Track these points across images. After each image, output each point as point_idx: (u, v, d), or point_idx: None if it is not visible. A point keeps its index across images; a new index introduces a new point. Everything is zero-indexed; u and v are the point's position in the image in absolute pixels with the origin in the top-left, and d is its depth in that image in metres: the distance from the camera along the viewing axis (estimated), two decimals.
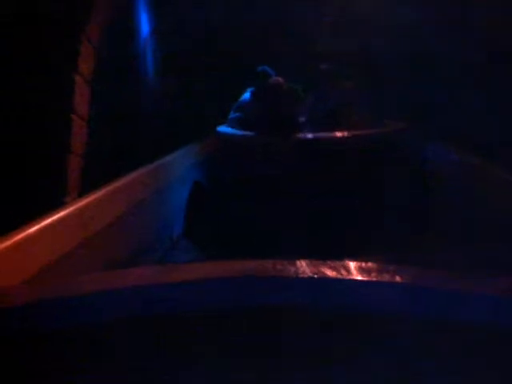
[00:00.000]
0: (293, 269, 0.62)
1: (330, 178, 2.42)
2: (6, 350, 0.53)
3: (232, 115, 3.12)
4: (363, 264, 0.64)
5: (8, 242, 1.25)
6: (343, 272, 0.62)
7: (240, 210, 2.40)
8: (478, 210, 1.79)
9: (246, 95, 3.12)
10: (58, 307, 0.57)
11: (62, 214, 1.67)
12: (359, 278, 0.62)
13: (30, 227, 1.40)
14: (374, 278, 0.62)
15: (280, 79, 3.02)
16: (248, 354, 0.59)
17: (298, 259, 0.63)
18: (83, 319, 0.55)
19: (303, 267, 0.62)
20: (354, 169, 2.47)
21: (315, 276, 0.60)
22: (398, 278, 0.62)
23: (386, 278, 0.62)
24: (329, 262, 0.64)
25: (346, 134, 2.72)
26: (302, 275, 0.61)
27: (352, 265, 0.64)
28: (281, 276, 0.61)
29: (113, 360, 0.54)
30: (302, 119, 3.01)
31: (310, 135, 2.87)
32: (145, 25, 3.01)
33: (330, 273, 0.61)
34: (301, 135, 2.88)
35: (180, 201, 2.60)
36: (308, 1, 3.66)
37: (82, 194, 1.97)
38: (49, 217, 1.56)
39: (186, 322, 0.58)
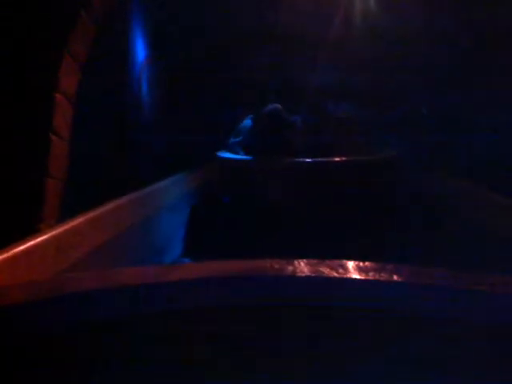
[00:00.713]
0: (290, 268, 0.69)
1: (327, 203, 2.61)
2: (5, 350, 0.59)
3: (232, 140, 3.35)
4: (361, 263, 0.71)
5: None
6: (341, 271, 0.69)
7: (240, 233, 2.51)
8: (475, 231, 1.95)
9: (247, 121, 3.40)
10: (56, 305, 0.63)
11: (36, 241, 1.71)
12: (357, 276, 0.69)
13: None
14: (371, 276, 0.69)
15: (278, 106, 3.29)
16: (246, 352, 0.65)
17: (296, 259, 0.70)
18: (81, 317, 0.61)
19: (301, 266, 0.69)
20: (350, 193, 2.68)
21: (312, 275, 0.68)
22: (395, 277, 0.70)
23: (383, 276, 0.69)
24: (326, 262, 0.71)
25: (342, 159, 2.99)
26: (299, 274, 0.68)
27: (349, 264, 0.71)
28: (278, 275, 0.68)
29: (112, 358, 0.60)
30: (298, 146, 3.26)
31: (308, 160, 3.09)
32: (141, 49, 3.20)
33: (327, 272, 0.69)
34: (299, 160, 3.10)
35: (171, 228, 2.67)
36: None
37: (60, 221, 2.02)
38: (21, 245, 1.60)
39: (183, 321, 0.64)
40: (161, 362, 0.63)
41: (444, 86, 3.14)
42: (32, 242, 1.67)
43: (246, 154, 3.18)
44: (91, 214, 2.12)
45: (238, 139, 3.35)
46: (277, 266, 0.69)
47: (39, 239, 1.72)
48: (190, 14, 3.55)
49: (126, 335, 0.63)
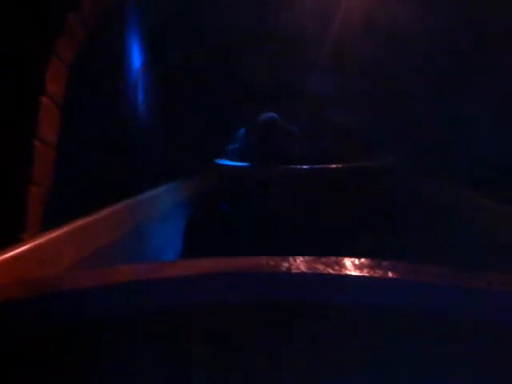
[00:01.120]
0: (286, 265, 0.73)
1: (324, 209, 2.75)
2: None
3: (231, 147, 3.55)
4: (356, 260, 0.76)
5: None
6: (336, 268, 0.74)
7: (238, 240, 2.58)
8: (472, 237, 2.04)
9: (243, 130, 3.63)
10: (54, 303, 0.66)
11: (17, 251, 1.71)
12: (352, 273, 0.74)
13: None
14: (366, 273, 0.74)
15: (273, 115, 3.48)
16: (240, 349, 0.69)
17: (292, 256, 0.75)
18: (78, 315, 0.65)
19: (296, 263, 0.74)
20: (348, 200, 2.82)
21: (308, 271, 0.72)
22: (390, 274, 0.74)
23: (378, 273, 0.74)
24: (322, 259, 0.76)
25: (339, 166, 3.17)
26: (294, 271, 0.72)
27: (345, 261, 0.76)
28: (274, 272, 0.72)
29: (110, 356, 0.64)
30: (295, 155, 3.47)
31: (304, 167, 3.27)
32: (138, 51, 3.29)
33: (322, 269, 0.73)
34: (296, 167, 3.28)
35: (165, 238, 2.71)
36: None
37: (45, 230, 2.04)
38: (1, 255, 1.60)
39: (178, 318, 0.68)
40: (158, 360, 0.67)
41: (444, 87, 3.24)
42: (12, 253, 1.69)
43: (243, 161, 3.36)
44: (78, 223, 2.14)
45: (234, 146, 3.53)
46: (272, 263, 0.74)
47: (20, 249, 1.74)
48: (190, 15, 3.65)
49: (122, 332, 0.67)
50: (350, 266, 0.76)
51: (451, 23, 3.10)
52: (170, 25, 3.56)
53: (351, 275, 0.74)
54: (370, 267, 0.75)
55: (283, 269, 0.73)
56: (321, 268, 0.74)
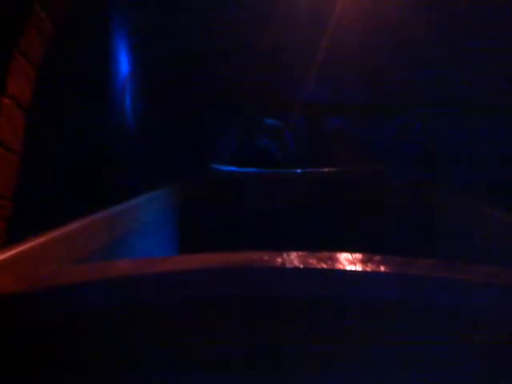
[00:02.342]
0: (279, 260, 0.85)
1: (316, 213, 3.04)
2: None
3: (225, 152, 3.98)
4: (349, 255, 0.89)
5: None
6: (329, 263, 0.86)
7: (234, 243, 2.82)
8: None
9: (240, 136, 4.09)
10: (49, 298, 0.77)
11: None
12: (345, 268, 0.86)
13: None
14: (359, 267, 0.86)
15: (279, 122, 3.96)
16: (235, 345, 0.81)
17: (286, 251, 0.87)
18: (77, 307, 0.76)
19: (290, 258, 0.86)
20: (338, 203, 3.31)
21: (301, 266, 0.84)
22: (383, 268, 0.87)
23: (371, 267, 0.87)
24: (315, 254, 0.88)
25: (331, 171, 3.53)
26: (288, 266, 0.84)
27: (338, 256, 0.89)
28: (268, 267, 0.84)
29: (109, 350, 0.75)
30: (280, 155, 3.95)
31: (302, 171, 3.74)
32: (124, 64, 3.46)
33: (316, 264, 0.86)
34: (295, 171, 3.75)
35: (150, 250, 2.81)
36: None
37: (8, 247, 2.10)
38: None
39: (173, 313, 0.80)
40: (152, 352, 0.79)
41: (442, 99, 3.50)
42: None
43: (242, 166, 3.91)
44: (45, 237, 2.20)
45: (231, 152, 4.00)
46: (266, 258, 0.86)
47: None
48: (177, 25, 3.84)
49: (118, 325, 0.79)
50: (343, 260, 0.88)
51: (452, 29, 3.31)
52: (157, 36, 3.76)
53: (343, 269, 0.86)
54: (363, 261, 0.88)
55: (277, 264, 0.85)
56: (314, 263, 0.86)
